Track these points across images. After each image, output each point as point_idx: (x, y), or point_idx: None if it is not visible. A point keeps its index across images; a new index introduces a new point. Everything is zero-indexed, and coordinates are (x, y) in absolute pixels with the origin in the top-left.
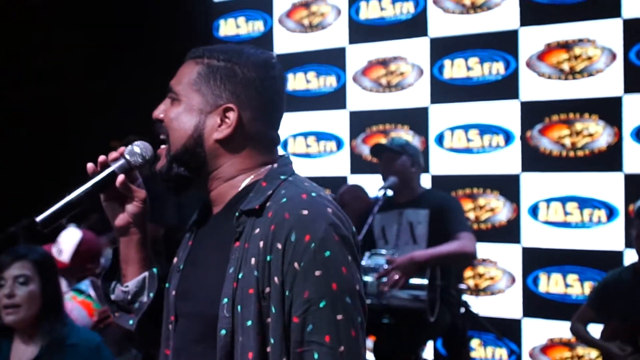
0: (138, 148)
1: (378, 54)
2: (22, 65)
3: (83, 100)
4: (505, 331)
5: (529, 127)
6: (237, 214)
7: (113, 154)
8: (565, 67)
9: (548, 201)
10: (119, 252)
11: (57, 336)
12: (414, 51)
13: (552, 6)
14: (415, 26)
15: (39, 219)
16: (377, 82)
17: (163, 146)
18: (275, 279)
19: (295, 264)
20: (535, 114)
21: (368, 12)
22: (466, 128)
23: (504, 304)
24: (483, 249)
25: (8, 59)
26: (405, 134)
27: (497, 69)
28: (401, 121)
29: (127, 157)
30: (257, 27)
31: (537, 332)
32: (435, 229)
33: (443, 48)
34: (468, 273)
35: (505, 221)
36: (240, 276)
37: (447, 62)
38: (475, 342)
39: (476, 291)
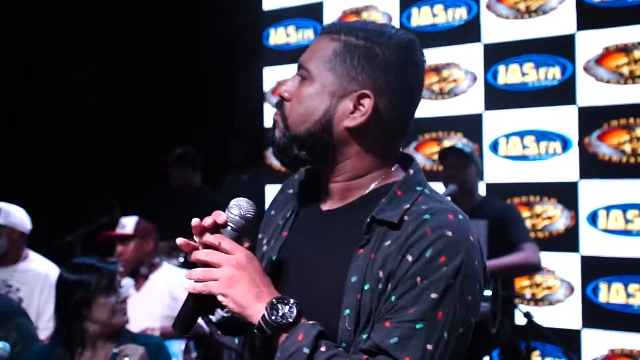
0: (237, 210)
1: (430, 60)
2: (71, 75)
3: (134, 110)
4: (564, 342)
5: (587, 133)
6: (368, 220)
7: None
8: (625, 71)
9: (608, 209)
10: None
11: (127, 339)
12: (467, 57)
13: (610, 9)
14: (468, 32)
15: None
16: (430, 89)
17: (277, 114)
18: (390, 285)
19: (418, 278)
20: (594, 119)
21: (420, 19)
22: (522, 135)
23: (563, 314)
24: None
25: (58, 69)
26: (459, 142)
27: (554, 74)
28: (454, 128)
29: (233, 226)
30: (307, 35)
31: (598, 343)
32: (495, 240)
33: (497, 53)
34: (525, 282)
35: (563, 229)
36: (366, 287)
37: (501, 68)
38: (534, 353)
39: (534, 301)
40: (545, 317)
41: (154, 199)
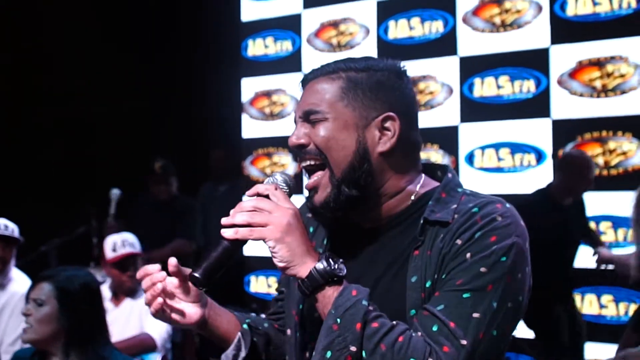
0: (279, 176)
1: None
2: (54, 85)
3: (114, 121)
4: (540, 353)
5: (561, 145)
6: (421, 222)
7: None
8: (598, 84)
9: None
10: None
11: None
12: (444, 70)
13: (584, 24)
14: (444, 45)
15: (197, 274)
16: None
17: (316, 177)
18: (442, 269)
19: (468, 255)
20: (567, 132)
21: (397, 32)
22: (497, 147)
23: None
24: None
25: (42, 80)
26: (435, 153)
27: (528, 87)
28: (431, 140)
29: (283, 185)
30: (285, 47)
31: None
32: None
33: (473, 66)
34: None
35: None
36: (427, 285)
37: (477, 81)
38: None
39: None
40: (520, 328)
41: (131, 205)
